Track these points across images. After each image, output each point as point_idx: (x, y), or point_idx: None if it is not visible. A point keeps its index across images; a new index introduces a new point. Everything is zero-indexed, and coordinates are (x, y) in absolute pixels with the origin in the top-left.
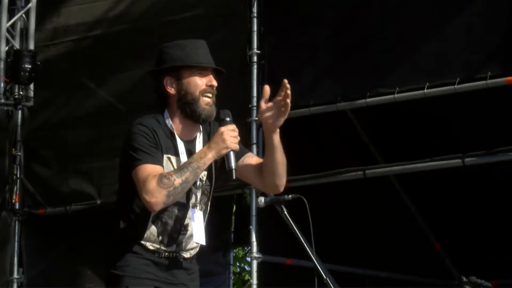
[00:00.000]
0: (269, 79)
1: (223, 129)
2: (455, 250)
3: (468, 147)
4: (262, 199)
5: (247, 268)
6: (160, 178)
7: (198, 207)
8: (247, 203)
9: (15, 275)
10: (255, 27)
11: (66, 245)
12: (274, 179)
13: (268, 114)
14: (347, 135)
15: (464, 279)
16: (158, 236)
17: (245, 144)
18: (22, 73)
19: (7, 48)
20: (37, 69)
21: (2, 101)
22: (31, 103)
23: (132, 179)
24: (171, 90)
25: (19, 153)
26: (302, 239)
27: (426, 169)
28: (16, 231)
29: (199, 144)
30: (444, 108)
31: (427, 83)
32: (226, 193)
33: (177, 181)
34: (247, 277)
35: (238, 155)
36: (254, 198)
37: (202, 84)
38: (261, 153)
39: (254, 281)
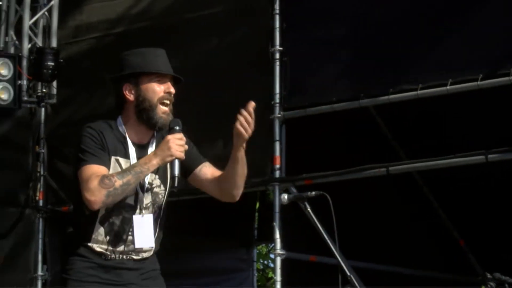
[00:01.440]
0: (291, 76)
1: (169, 137)
2: (479, 247)
3: (491, 143)
4: (285, 196)
5: (270, 265)
6: (102, 178)
7: (147, 211)
8: (270, 200)
9: (39, 272)
10: (277, 24)
11: None
12: (232, 189)
13: (243, 127)
14: (370, 131)
15: (488, 275)
16: (105, 236)
17: (268, 140)
18: (44, 70)
19: (29, 45)
20: (60, 67)
21: (25, 98)
22: (54, 101)
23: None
24: (130, 96)
25: (43, 151)
26: (325, 235)
27: (450, 166)
28: (40, 228)
29: (151, 150)
30: (466, 104)
31: (450, 80)
32: (249, 190)
33: (118, 182)
34: (270, 274)
35: (196, 163)
36: (277, 195)
37: (160, 91)
38: (284, 150)
39: (278, 278)
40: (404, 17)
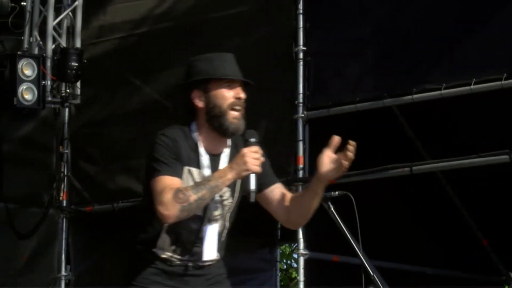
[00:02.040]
0: (315, 76)
1: (245, 150)
2: (503, 247)
3: None
4: None
5: (294, 264)
6: (176, 192)
7: (215, 222)
8: None
9: (63, 272)
10: (301, 24)
11: (113, 242)
12: (300, 219)
13: (328, 166)
14: (393, 131)
15: None
16: (171, 245)
17: (291, 140)
18: (68, 71)
19: (53, 46)
20: (84, 67)
21: (49, 99)
22: (77, 101)
23: (150, 188)
24: (199, 104)
25: (66, 151)
26: (349, 235)
27: (473, 165)
28: (64, 229)
29: (225, 159)
30: (490, 104)
31: (474, 79)
32: None
33: (193, 197)
34: (294, 274)
35: (269, 182)
36: None
37: (230, 97)
38: (307, 150)
39: (301, 278)
40: (428, 17)
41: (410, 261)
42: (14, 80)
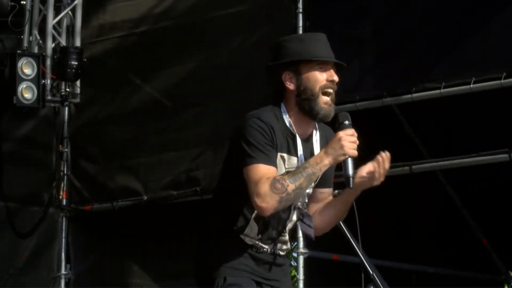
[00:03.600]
0: None
1: (341, 133)
2: (502, 245)
3: None
4: None
5: (293, 263)
6: (273, 182)
7: (303, 209)
8: None
9: (63, 271)
10: (300, 23)
11: (113, 241)
12: (324, 226)
13: (363, 175)
14: (393, 130)
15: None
16: (257, 234)
17: None
18: (68, 70)
19: (53, 45)
20: (83, 66)
21: (49, 97)
22: (77, 100)
23: (241, 173)
24: (290, 86)
25: (66, 150)
26: (348, 234)
27: (473, 164)
28: (64, 227)
29: (316, 143)
30: (489, 103)
31: (473, 78)
32: None
33: (291, 187)
34: (293, 272)
35: (326, 184)
36: None
37: (322, 79)
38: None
39: (301, 276)
40: (427, 17)
41: (410, 260)
42: (14, 79)
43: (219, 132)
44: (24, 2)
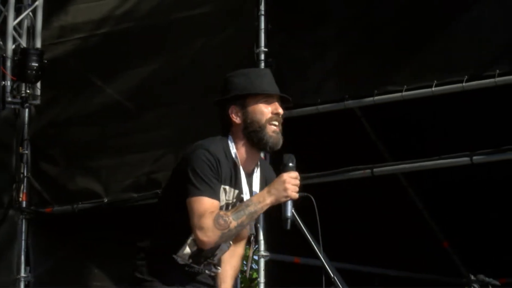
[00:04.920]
0: (276, 77)
1: (285, 176)
2: (463, 248)
3: (476, 145)
4: None
5: (254, 266)
6: (216, 218)
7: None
8: None
9: (22, 274)
10: (262, 25)
11: (73, 244)
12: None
13: None
14: (355, 133)
15: (472, 277)
16: (188, 259)
17: None
18: (29, 71)
19: (14, 46)
20: (44, 67)
21: (9, 99)
22: (38, 102)
23: (184, 201)
24: (237, 119)
25: (26, 151)
26: (309, 237)
27: (434, 167)
28: (23, 230)
29: (255, 179)
30: (451, 106)
31: (435, 81)
32: None
33: (233, 223)
34: (254, 275)
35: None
36: None
37: (268, 112)
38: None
39: (262, 279)
40: (390, 20)
41: (372, 262)
42: None
43: (181, 134)
44: None
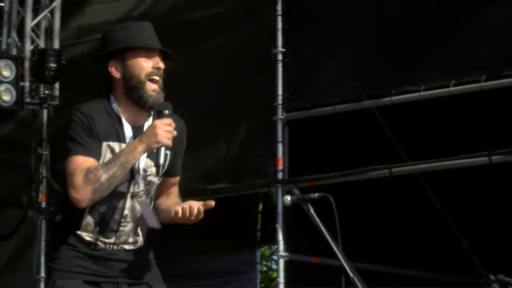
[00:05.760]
0: (293, 77)
1: (157, 122)
2: (483, 248)
3: (494, 145)
4: (288, 198)
5: (274, 266)
6: (86, 173)
7: (142, 197)
8: (273, 202)
9: (42, 274)
10: (279, 25)
11: None
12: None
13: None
14: (373, 133)
15: (492, 277)
16: (95, 227)
17: (271, 142)
18: (47, 72)
19: (32, 47)
20: (62, 68)
21: (28, 100)
22: (56, 102)
23: None
24: (117, 74)
25: (45, 152)
26: (328, 237)
27: (453, 167)
28: (43, 230)
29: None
30: (470, 106)
31: (453, 81)
32: (252, 191)
33: (103, 176)
34: (274, 274)
35: (172, 172)
36: (280, 196)
37: (148, 66)
38: (287, 151)
39: (281, 279)
40: (407, 18)
41: (391, 263)
42: None
43: (198, 133)
44: (3, 4)
